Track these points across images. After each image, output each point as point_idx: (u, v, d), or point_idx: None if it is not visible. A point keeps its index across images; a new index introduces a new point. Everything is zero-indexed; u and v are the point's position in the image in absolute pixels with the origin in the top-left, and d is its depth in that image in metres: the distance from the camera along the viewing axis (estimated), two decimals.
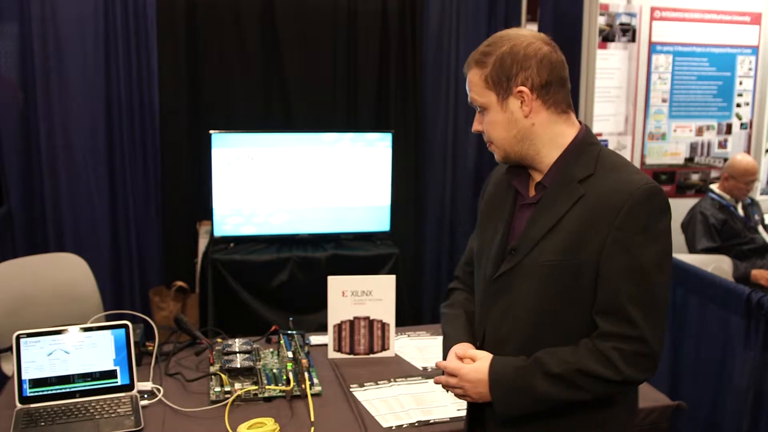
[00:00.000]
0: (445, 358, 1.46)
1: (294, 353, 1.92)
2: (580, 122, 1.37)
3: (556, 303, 1.30)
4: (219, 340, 2.16)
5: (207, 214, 3.55)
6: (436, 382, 1.44)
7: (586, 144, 1.33)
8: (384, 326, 2.13)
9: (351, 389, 1.89)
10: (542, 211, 1.32)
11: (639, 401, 1.44)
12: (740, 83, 4.41)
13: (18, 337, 1.77)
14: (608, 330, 1.25)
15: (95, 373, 1.80)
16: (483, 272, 1.43)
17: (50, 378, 1.77)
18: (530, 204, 1.36)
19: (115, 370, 1.82)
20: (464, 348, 1.42)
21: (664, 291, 1.28)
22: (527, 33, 1.32)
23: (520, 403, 1.30)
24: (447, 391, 1.43)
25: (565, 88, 1.33)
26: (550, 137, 1.32)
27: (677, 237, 3.79)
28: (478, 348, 1.41)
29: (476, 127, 1.38)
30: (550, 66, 1.29)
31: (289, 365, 1.88)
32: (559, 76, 1.31)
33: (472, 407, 1.48)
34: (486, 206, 1.49)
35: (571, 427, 1.33)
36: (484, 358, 1.35)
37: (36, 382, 1.76)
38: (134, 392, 1.82)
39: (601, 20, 4.05)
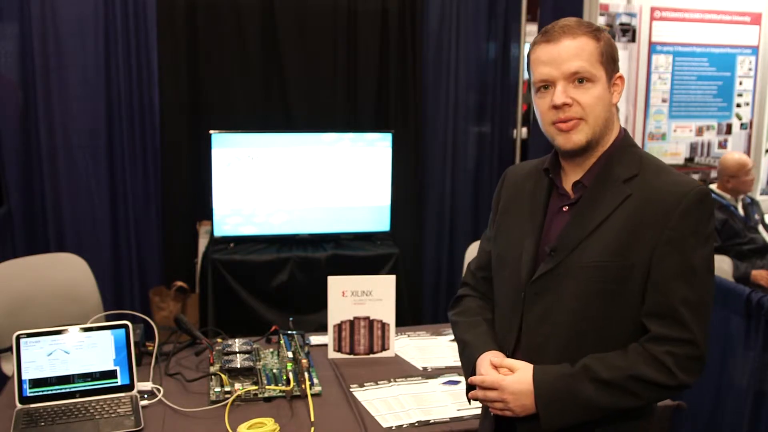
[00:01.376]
0: (468, 368, 1.38)
1: (294, 353, 1.92)
2: None
3: (601, 306, 1.24)
4: (219, 340, 2.16)
5: (207, 214, 3.55)
6: (473, 398, 1.36)
7: (628, 145, 1.34)
8: (384, 326, 2.12)
9: (351, 389, 1.89)
10: (584, 210, 1.28)
11: None
12: (740, 83, 4.40)
13: (18, 337, 1.77)
14: (660, 333, 1.22)
15: (95, 373, 1.80)
16: (511, 277, 1.36)
17: (50, 378, 1.77)
18: (567, 205, 1.32)
19: (115, 370, 1.82)
20: (500, 357, 1.33)
21: (711, 293, 1.27)
22: None
23: (568, 413, 1.24)
24: (477, 402, 1.36)
25: None
26: (613, 130, 1.33)
27: None
28: (509, 357, 1.33)
29: (564, 99, 1.26)
30: None
31: (289, 365, 1.88)
32: None
33: (499, 421, 1.37)
34: (506, 209, 1.43)
35: None
36: (525, 367, 1.28)
37: (36, 382, 1.76)
38: (134, 392, 1.82)
39: (601, 20, 4.04)
